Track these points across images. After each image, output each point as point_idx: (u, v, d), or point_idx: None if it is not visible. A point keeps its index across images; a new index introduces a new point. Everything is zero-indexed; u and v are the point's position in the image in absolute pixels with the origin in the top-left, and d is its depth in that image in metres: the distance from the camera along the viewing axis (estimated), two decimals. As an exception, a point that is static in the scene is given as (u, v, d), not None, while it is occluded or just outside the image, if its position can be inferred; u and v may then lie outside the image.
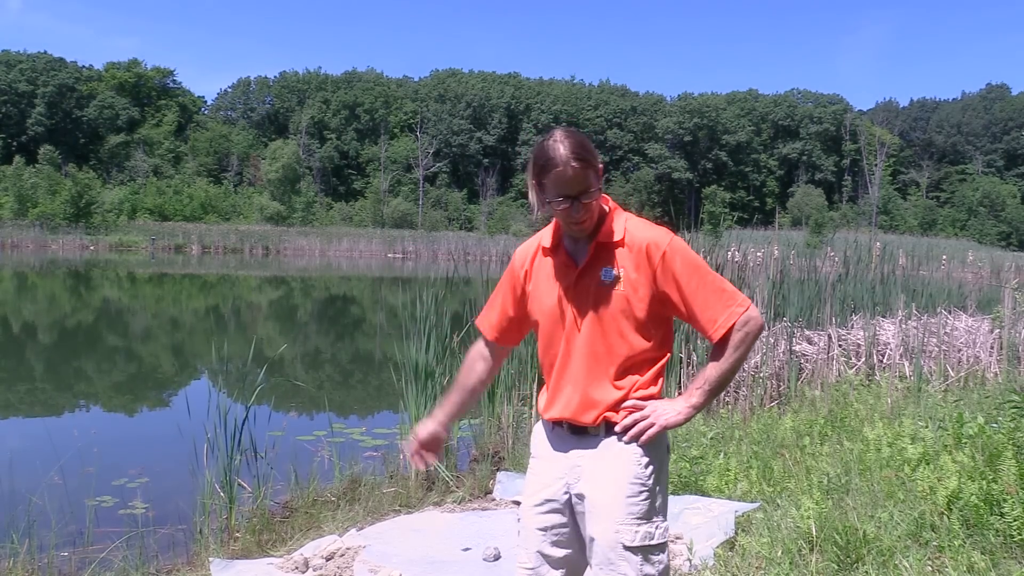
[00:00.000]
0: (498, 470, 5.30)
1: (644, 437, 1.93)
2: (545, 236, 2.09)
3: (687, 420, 1.96)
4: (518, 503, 2.23)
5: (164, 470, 5.68)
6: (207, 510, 4.39)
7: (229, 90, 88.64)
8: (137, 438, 7.26)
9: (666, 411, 1.94)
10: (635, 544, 1.90)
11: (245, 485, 4.69)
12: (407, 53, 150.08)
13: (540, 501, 2.04)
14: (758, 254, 11.25)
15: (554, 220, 2.06)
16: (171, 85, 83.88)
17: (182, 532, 4.45)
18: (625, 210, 2.07)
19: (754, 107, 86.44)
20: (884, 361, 7.95)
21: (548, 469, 2.06)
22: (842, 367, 7.66)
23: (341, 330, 16.45)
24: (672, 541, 3.80)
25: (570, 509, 2.02)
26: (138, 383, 10.03)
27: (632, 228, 1.99)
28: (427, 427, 2.24)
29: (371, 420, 8.03)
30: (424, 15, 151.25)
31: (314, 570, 3.68)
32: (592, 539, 1.95)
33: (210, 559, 3.81)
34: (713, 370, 1.96)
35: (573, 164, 1.88)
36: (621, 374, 1.98)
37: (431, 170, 75.36)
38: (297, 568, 3.68)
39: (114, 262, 35.11)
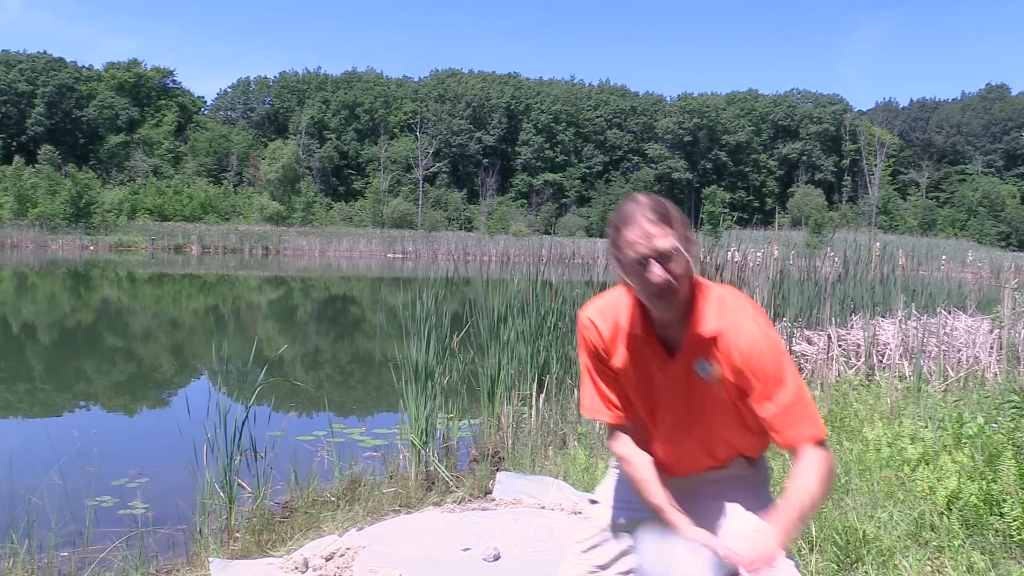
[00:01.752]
0: (498, 470, 5.30)
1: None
2: (623, 315, 1.84)
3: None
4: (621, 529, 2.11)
5: (164, 470, 5.67)
6: (207, 510, 4.39)
7: (229, 90, 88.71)
8: (137, 438, 7.26)
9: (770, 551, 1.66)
10: None
11: (245, 485, 4.69)
12: (407, 53, 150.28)
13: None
14: (758, 254, 11.27)
15: (630, 297, 1.83)
16: (171, 85, 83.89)
17: (182, 532, 4.45)
18: (710, 281, 1.83)
19: (754, 107, 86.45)
20: (884, 361, 7.94)
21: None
22: (842, 367, 7.66)
23: (341, 330, 16.44)
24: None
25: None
26: (138, 383, 10.02)
27: (725, 318, 1.75)
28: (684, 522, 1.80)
29: (371, 420, 8.03)
30: (424, 15, 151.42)
31: (314, 570, 3.68)
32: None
33: (210, 559, 3.81)
34: (801, 495, 1.67)
35: (649, 216, 1.67)
36: (723, 458, 1.91)
37: (431, 170, 75.36)
38: (297, 568, 3.68)
39: (114, 262, 35.10)
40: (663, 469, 1.89)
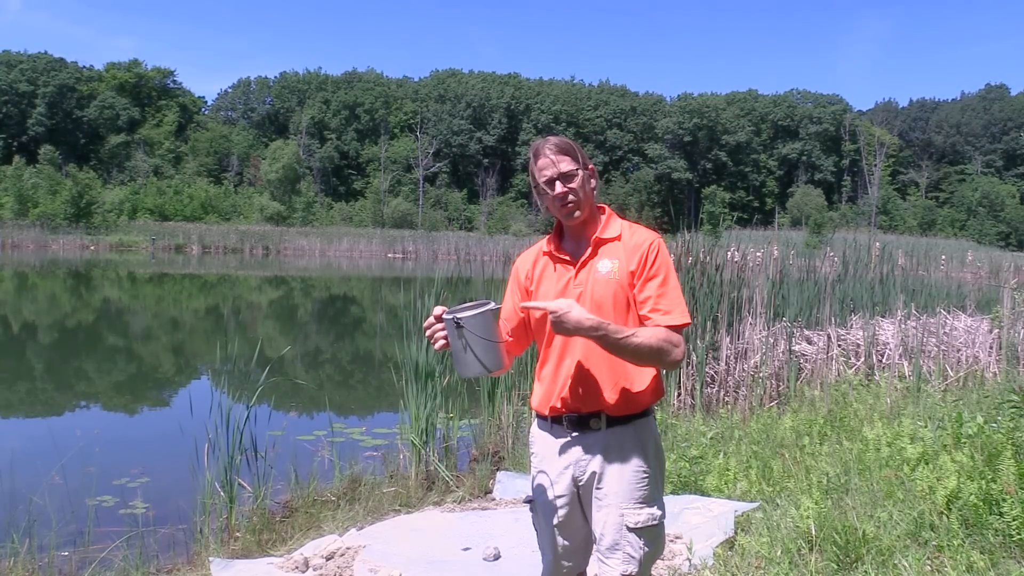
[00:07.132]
0: (498, 470, 5.31)
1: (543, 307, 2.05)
2: (545, 242, 2.32)
3: (586, 331, 1.98)
4: (527, 501, 2.33)
5: (165, 470, 5.68)
6: (207, 510, 4.40)
7: (229, 90, 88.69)
8: (138, 438, 7.26)
9: (579, 314, 1.98)
10: (639, 526, 2.08)
11: (245, 485, 4.70)
12: (407, 53, 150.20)
13: (552, 497, 2.19)
14: (758, 254, 11.26)
15: (554, 228, 2.30)
16: (171, 85, 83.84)
17: (182, 532, 4.45)
18: (620, 216, 2.29)
19: (754, 107, 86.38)
20: (883, 361, 7.95)
21: (553, 465, 2.20)
22: (841, 367, 7.66)
23: (341, 330, 16.45)
24: (672, 541, 3.81)
25: (578, 500, 2.18)
26: (139, 383, 10.03)
27: (627, 228, 2.24)
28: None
29: (371, 420, 8.04)
30: (424, 15, 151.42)
31: (314, 570, 3.69)
32: (600, 524, 2.11)
33: (210, 559, 3.82)
34: (644, 333, 2.04)
35: (552, 149, 2.18)
36: (618, 364, 2.11)
37: (431, 170, 75.33)
38: (297, 568, 3.69)
39: (114, 262, 35.10)
40: (574, 403, 2.15)
